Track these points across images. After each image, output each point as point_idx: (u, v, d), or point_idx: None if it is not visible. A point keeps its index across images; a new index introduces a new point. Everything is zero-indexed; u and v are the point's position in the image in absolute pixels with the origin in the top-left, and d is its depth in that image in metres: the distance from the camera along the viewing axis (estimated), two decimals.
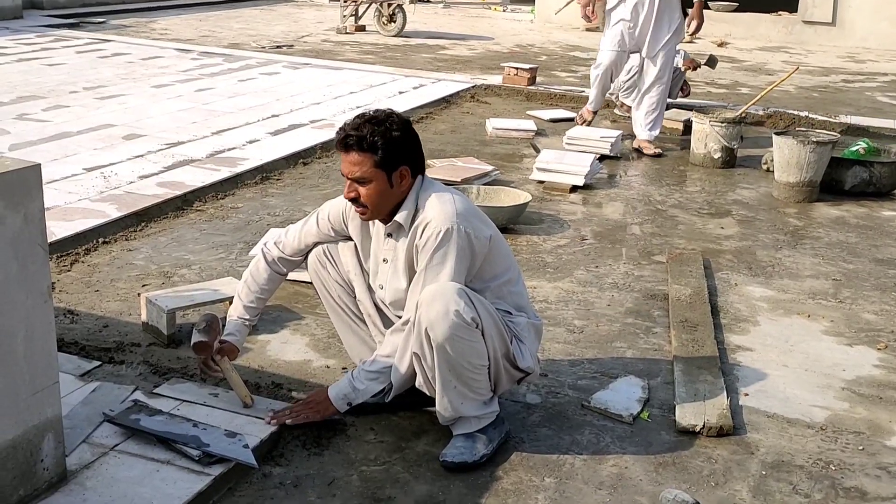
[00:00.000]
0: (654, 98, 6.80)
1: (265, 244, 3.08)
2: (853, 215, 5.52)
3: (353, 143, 2.67)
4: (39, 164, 2.21)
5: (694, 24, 6.78)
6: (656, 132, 6.91)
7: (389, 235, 2.80)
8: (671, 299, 4.02)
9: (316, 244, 2.97)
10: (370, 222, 2.85)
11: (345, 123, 2.72)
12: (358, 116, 2.72)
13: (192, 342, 2.92)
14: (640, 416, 3.06)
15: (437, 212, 2.68)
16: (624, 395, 3.17)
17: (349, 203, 2.84)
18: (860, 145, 6.18)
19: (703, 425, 2.96)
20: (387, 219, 2.78)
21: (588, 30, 15.10)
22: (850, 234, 5.17)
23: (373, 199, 2.71)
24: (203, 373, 2.98)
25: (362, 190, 2.70)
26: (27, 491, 2.31)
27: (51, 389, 2.33)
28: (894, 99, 9.37)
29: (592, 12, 6.90)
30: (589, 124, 7.11)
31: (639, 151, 6.80)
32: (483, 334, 2.66)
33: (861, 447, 2.95)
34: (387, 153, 2.67)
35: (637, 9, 6.62)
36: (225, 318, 3.11)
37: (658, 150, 6.73)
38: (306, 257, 3.00)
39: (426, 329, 2.61)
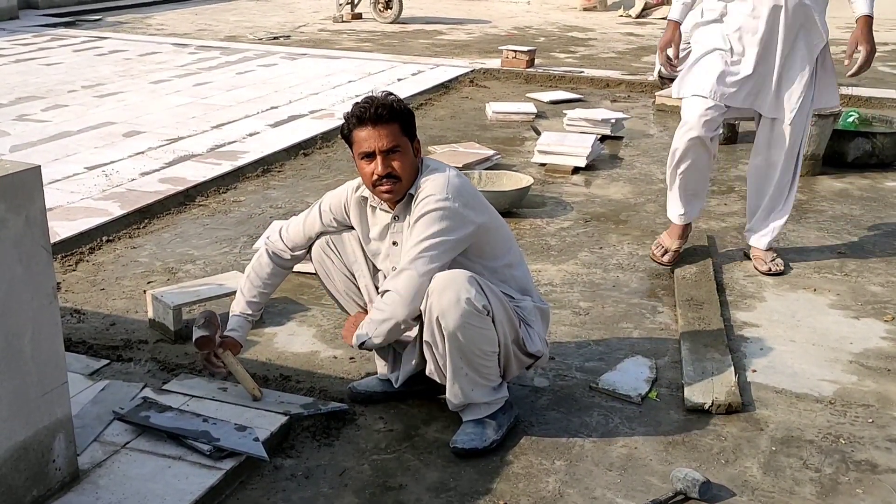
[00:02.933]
0: (784, 184, 4.13)
1: (267, 238, 3.08)
2: (856, 187, 5.51)
3: (384, 114, 2.66)
4: (39, 166, 2.21)
5: (862, 53, 3.82)
6: (776, 234, 4.23)
7: (396, 218, 2.79)
8: (676, 278, 4.01)
9: (319, 235, 2.97)
10: (370, 210, 2.85)
11: (363, 102, 2.70)
12: (365, 98, 2.71)
13: (193, 339, 2.92)
14: (649, 396, 3.06)
15: (430, 186, 2.69)
16: (631, 376, 3.18)
17: (353, 191, 2.85)
18: (853, 116, 6.16)
19: (712, 403, 2.96)
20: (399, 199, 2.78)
21: (586, 9, 15.06)
22: (853, 206, 5.16)
23: (405, 169, 2.71)
24: (206, 369, 2.99)
25: (395, 162, 2.69)
26: (40, 491, 2.32)
27: (60, 390, 2.33)
28: (895, 69, 9.33)
29: (676, 57, 4.06)
30: (677, 256, 4.23)
31: (746, 255, 4.31)
32: (494, 321, 2.66)
33: (870, 420, 2.94)
34: (410, 121, 2.73)
35: (748, 28, 3.88)
36: (226, 313, 3.10)
37: (779, 267, 4.15)
38: (310, 249, 2.99)
39: (437, 317, 2.60)
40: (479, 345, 2.65)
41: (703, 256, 4.28)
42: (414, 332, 2.82)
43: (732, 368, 3.18)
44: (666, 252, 4.22)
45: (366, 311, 2.92)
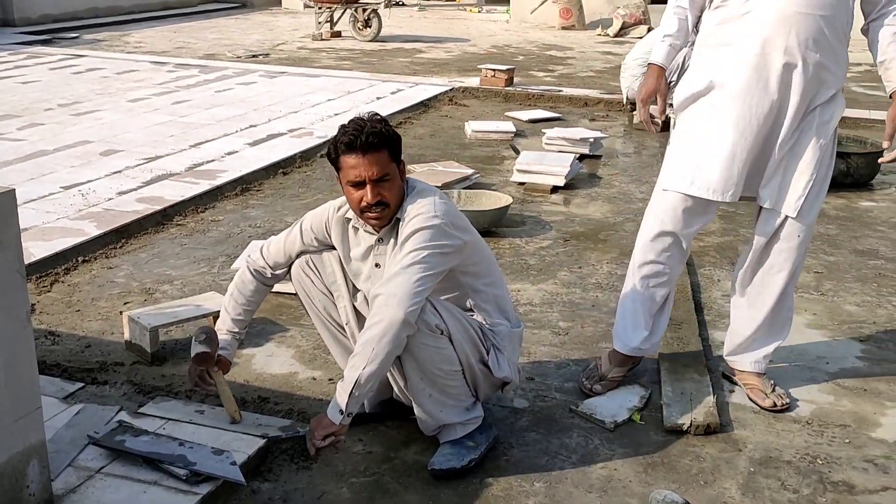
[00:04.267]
0: (782, 285, 3.14)
1: (249, 255, 3.06)
2: (832, 207, 5.55)
3: (374, 142, 2.62)
4: (14, 190, 2.18)
5: None
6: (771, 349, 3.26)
7: (380, 241, 2.78)
8: None
9: (300, 254, 2.95)
10: (352, 230, 2.84)
11: (351, 129, 2.64)
12: (354, 123, 2.67)
13: (192, 353, 2.87)
14: (632, 419, 3.05)
15: (419, 207, 2.67)
16: (616, 402, 3.14)
17: (335, 211, 2.83)
18: None
19: (691, 424, 2.97)
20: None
21: (564, 28, 15.16)
22: (829, 226, 5.20)
23: (395, 196, 2.67)
24: (197, 385, 2.95)
25: (385, 191, 2.65)
26: None
27: (34, 415, 2.30)
28: (868, 89, 9.44)
29: (662, 112, 3.19)
30: (615, 384, 3.27)
31: (729, 379, 3.34)
32: (452, 341, 2.66)
33: (847, 440, 2.96)
34: (398, 145, 2.69)
35: (752, 95, 2.93)
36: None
37: (784, 402, 3.15)
38: (290, 268, 2.98)
39: None
40: (437, 364, 2.65)
41: (680, 276, 4.29)
42: None
43: (711, 389, 3.18)
44: (601, 379, 3.25)
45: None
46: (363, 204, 2.67)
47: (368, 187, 2.65)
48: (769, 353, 3.23)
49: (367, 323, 2.59)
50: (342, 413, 2.59)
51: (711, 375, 3.32)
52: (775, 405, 3.13)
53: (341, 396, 2.58)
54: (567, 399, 3.18)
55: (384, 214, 2.69)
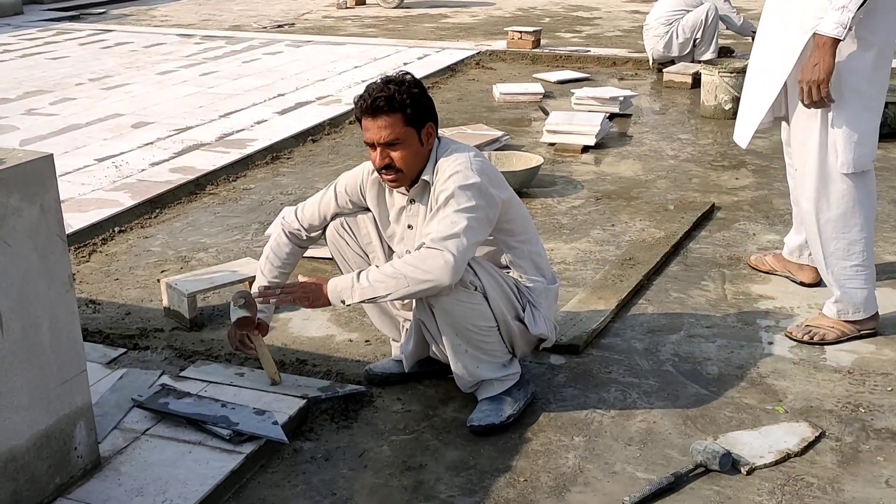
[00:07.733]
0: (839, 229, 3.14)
1: (283, 218, 3.07)
2: None
3: (382, 106, 2.61)
4: (52, 155, 2.21)
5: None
6: (861, 307, 3.20)
7: (412, 201, 2.78)
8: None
9: (335, 216, 2.95)
10: (387, 191, 2.84)
11: (365, 91, 2.66)
12: (372, 85, 2.67)
13: (233, 318, 2.90)
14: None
15: (454, 164, 2.65)
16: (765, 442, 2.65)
17: (369, 173, 2.82)
18: None
19: None
20: (409, 184, 2.76)
21: None
22: None
23: (407, 161, 2.66)
24: (237, 349, 2.97)
25: (395, 154, 2.64)
26: (63, 479, 2.34)
27: (79, 378, 2.34)
28: None
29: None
30: None
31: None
32: (487, 297, 2.66)
33: (889, 388, 2.93)
34: (415, 109, 2.64)
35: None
36: None
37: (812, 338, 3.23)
38: (325, 230, 2.99)
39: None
40: (472, 320, 2.65)
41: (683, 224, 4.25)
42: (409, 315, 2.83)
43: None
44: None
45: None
46: (377, 166, 2.69)
47: (378, 150, 2.66)
48: (836, 295, 3.25)
49: (414, 256, 2.56)
50: (343, 303, 2.63)
51: (750, 328, 3.29)
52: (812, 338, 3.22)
53: (354, 293, 2.59)
54: (603, 355, 3.18)
55: (398, 178, 2.70)
